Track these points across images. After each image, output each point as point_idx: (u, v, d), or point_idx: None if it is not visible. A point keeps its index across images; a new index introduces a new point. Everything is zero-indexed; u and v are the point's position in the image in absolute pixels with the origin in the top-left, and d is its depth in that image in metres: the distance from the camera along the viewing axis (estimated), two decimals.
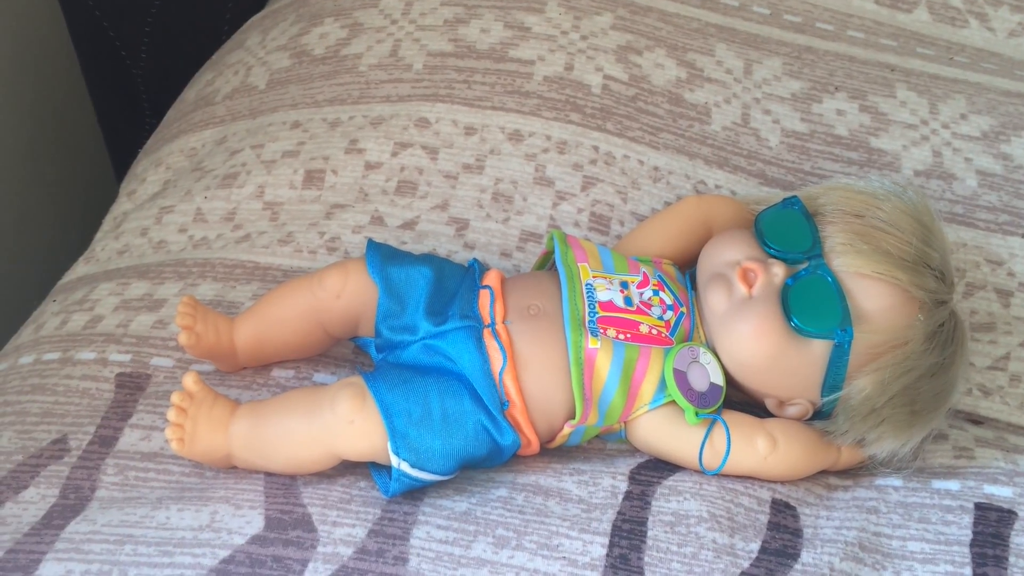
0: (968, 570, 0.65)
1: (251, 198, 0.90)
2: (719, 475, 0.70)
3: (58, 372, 0.78)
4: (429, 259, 0.76)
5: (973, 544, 0.67)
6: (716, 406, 0.71)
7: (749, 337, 0.70)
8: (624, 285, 0.73)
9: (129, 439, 0.73)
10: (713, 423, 0.70)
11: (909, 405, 0.69)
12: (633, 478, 0.70)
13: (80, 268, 0.91)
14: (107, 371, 0.78)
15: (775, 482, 0.71)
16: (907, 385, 0.69)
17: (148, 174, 0.99)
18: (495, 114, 0.93)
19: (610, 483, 0.69)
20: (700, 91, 0.97)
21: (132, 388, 0.76)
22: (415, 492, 0.69)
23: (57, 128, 1.37)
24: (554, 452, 0.73)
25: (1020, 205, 0.91)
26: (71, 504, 0.69)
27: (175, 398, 0.68)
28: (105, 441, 0.73)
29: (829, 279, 0.70)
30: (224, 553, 0.64)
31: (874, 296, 0.70)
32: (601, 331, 0.70)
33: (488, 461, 0.70)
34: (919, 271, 0.70)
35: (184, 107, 1.06)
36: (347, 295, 0.74)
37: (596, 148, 0.91)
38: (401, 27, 1.01)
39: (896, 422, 0.69)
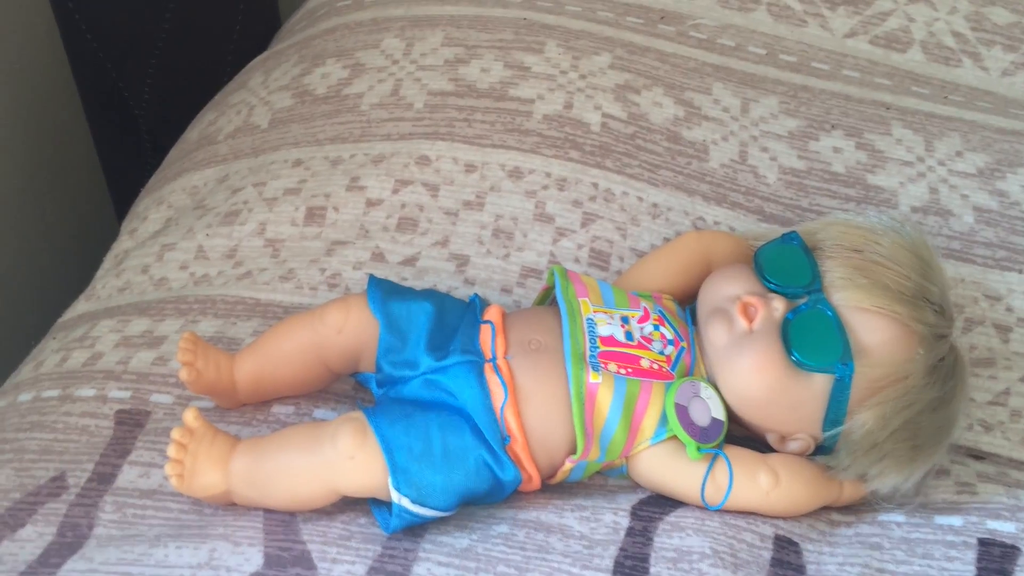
0: None
1: (252, 235, 0.91)
2: (721, 511, 0.70)
3: (57, 409, 0.78)
4: (430, 294, 0.76)
5: None
6: (718, 441, 0.70)
7: (750, 371, 0.70)
8: (625, 320, 0.73)
9: (128, 476, 0.72)
10: (715, 458, 0.70)
11: (911, 439, 0.69)
12: (635, 514, 0.69)
13: (81, 305, 0.91)
14: (107, 408, 0.77)
15: (778, 518, 0.70)
16: (908, 419, 0.69)
17: (150, 212, 1.00)
18: (495, 152, 0.93)
19: (612, 519, 0.69)
20: (698, 129, 0.98)
21: (131, 425, 0.76)
22: (415, 528, 0.68)
23: (59, 167, 1.38)
24: (555, 488, 0.72)
25: (1017, 241, 0.92)
26: (68, 542, 0.68)
27: (175, 434, 0.68)
28: (103, 478, 0.72)
29: (829, 313, 0.70)
30: None
31: (874, 330, 0.70)
32: (602, 365, 0.70)
33: (489, 497, 0.70)
34: (918, 305, 0.71)
35: (186, 146, 1.07)
36: (348, 330, 0.74)
37: (595, 185, 0.92)
38: (402, 67, 1.02)
39: (898, 456, 0.69)
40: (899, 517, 0.71)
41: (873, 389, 0.69)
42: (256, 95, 1.07)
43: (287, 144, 0.98)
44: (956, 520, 0.70)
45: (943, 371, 0.70)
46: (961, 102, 1.04)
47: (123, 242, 0.99)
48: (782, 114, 1.00)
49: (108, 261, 0.97)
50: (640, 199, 0.92)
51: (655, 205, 0.92)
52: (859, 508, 0.73)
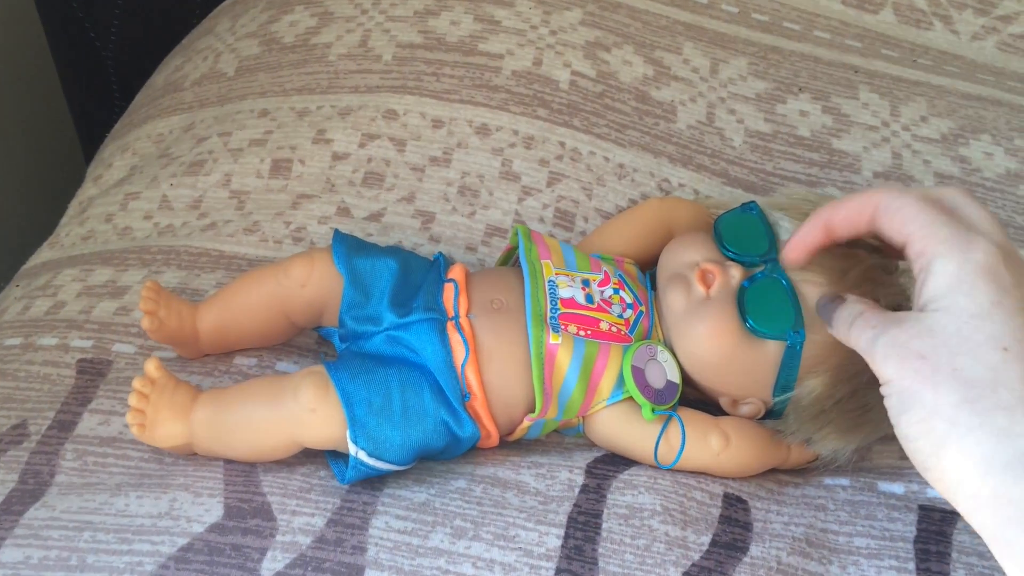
0: (912, 564, 0.67)
1: (217, 186, 0.90)
2: (673, 470, 0.71)
3: (19, 358, 0.78)
4: (395, 251, 0.77)
5: (917, 540, 0.69)
6: (672, 403, 0.72)
7: (706, 336, 0.71)
8: (585, 283, 0.74)
9: (88, 423, 0.73)
10: (669, 419, 0.71)
11: (855, 408, 0.71)
12: (589, 472, 0.71)
13: (44, 253, 0.91)
14: (68, 357, 0.78)
15: (727, 478, 0.72)
16: (854, 389, 0.70)
17: (115, 159, 0.99)
18: (463, 107, 0.93)
19: (567, 476, 0.71)
20: (667, 89, 0.98)
21: (93, 374, 0.77)
22: (374, 482, 0.69)
23: (26, 110, 1.36)
24: (513, 445, 0.74)
25: None
26: (30, 489, 0.69)
27: (136, 383, 0.69)
28: (64, 426, 0.73)
29: (784, 282, 0.71)
30: (183, 541, 0.64)
31: None
32: (562, 327, 0.71)
33: (446, 453, 0.71)
34: (870, 278, 0.72)
35: (152, 92, 1.06)
36: (312, 284, 0.74)
37: (563, 144, 0.92)
38: (371, 17, 1.01)
39: (841, 424, 0.71)
40: (844, 481, 0.73)
41: (822, 357, 0.71)
42: (223, 41, 1.05)
43: (253, 94, 0.97)
44: (898, 488, 0.73)
45: None
46: (929, 66, 1.05)
47: (87, 189, 0.98)
48: (751, 76, 1.00)
49: (72, 208, 0.97)
50: (607, 159, 0.92)
51: (621, 165, 0.92)
52: (806, 471, 0.75)
